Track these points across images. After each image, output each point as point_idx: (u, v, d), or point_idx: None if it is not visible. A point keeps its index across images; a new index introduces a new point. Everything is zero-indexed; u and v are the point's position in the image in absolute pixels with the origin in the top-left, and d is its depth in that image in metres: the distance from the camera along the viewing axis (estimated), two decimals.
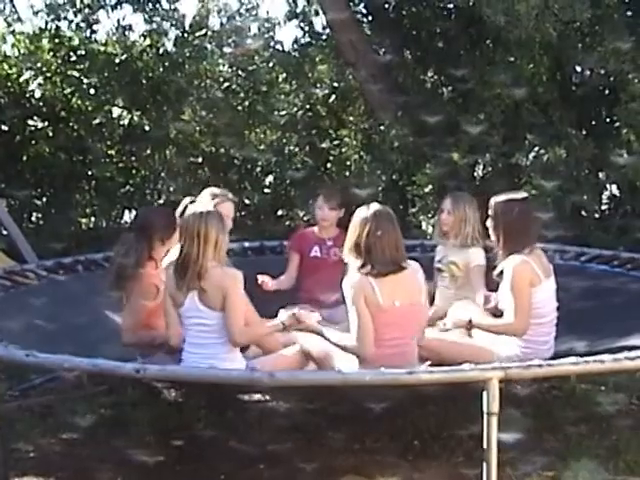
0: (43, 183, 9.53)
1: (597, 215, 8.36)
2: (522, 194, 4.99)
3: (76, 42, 9.78)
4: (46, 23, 9.88)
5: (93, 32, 9.99)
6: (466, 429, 4.51)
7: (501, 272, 4.75)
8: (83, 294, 5.70)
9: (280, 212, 9.08)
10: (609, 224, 8.04)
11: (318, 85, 9.58)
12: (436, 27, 8.78)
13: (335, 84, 9.54)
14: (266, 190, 9.19)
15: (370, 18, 9.76)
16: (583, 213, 8.07)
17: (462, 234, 5.54)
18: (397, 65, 8.96)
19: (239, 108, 9.59)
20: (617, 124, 7.85)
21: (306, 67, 9.81)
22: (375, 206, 4.52)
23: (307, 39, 10.26)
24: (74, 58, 9.64)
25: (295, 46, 10.37)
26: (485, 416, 3.72)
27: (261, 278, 5.56)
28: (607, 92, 8.23)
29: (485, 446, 3.77)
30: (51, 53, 9.64)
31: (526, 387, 5.10)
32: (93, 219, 9.80)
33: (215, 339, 4.39)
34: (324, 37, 10.06)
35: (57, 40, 9.66)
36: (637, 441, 4.75)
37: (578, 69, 8.44)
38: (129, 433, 4.93)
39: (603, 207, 8.53)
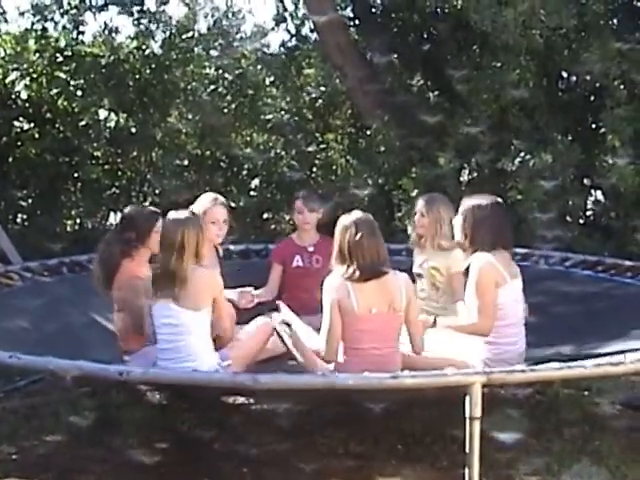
0: (29, 184, 9.50)
1: (582, 220, 8.38)
2: (494, 197, 4.93)
3: (62, 43, 9.76)
4: (32, 24, 9.85)
5: (80, 33, 9.97)
6: (450, 433, 4.51)
7: (467, 269, 4.76)
8: (67, 296, 5.71)
9: (266, 215, 9.06)
10: (594, 229, 8.05)
11: (305, 89, 9.56)
12: (424, 31, 8.79)
13: (322, 88, 9.52)
14: (252, 193, 9.18)
15: (357, 22, 9.77)
16: (568, 218, 8.08)
17: (438, 236, 5.49)
18: (384, 69, 8.96)
19: (225, 111, 9.58)
20: (603, 130, 7.86)
21: (293, 70, 9.81)
22: (356, 213, 4.61)
23: (294, 42, 10.26)
24: (60, 59, 9.62)
25: (282, 49, 10.38)
26: (467, 421, 3.72)
27: (241, 294, 5.37)
28: (593, 98, 8.25)
29: (467, 450, 3.77)
30: (37, 54, 9.61)
31: (509, 392, 5.13)
32: (79, 220, 9.76)
33: (190, 339, 4.46)
34: (311, 40, 10.08)
35: (43, 41, 9.64)
36: (620, 446, 4.76)
37: (564, 75, 8.47)
38: (113, 435, 4.91)
39: (588, 213, 8.55)
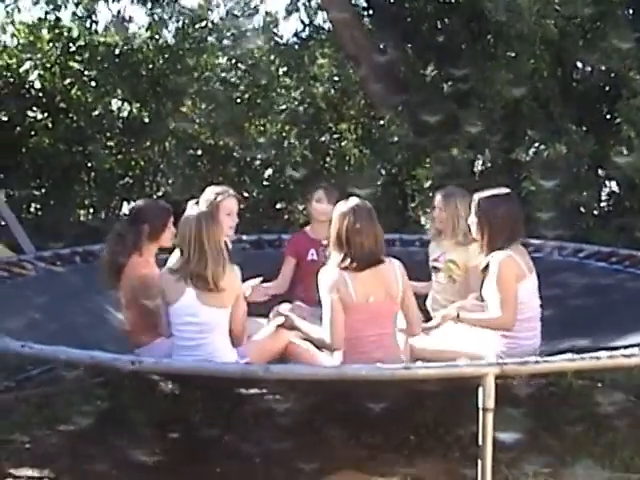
0: (42, 174, 9.52)
1: (596, 212, 8.31)
2: (506, 190, 4.92)
3: (75, 33, 9.75)
4: (46, 13, 9.85)
5: (93, 23, 9.96)
6: (463, 425, 4.49)
7: (486, 267, 4.73)
8: (80, 285, 5.70)
9: (279, 205, 9.02)
10: (608, 221, 7.99)
11: (319, 79, 9.51)
12: (438, 22, 8.72)
13: (336, 78, 9.48)
14: (265, 183, 9.14)
15: (371, 12, 9.71)
16: (582, 210, 8.01)
17: (457, 230, 5.48)
18: (398, 59, 8.91)
19: (238, 101, 9.55)
20: (618, 120, 7.78)
21: (307, 60, 9.77)
22: (354, 200, 4.61)
23: (308, 33, 10.21)
24: (74, 49, 9.62)
25: (295, 39, 10.33)
26: (480, 412, 3.69)
27: (254, 288, 5.24)
28: (608, 88, 8.17)
29: (480, 442, 3.73)
30: (50, 44, 9.61)
31: (523, 384, 5.09)
32: (92, 211, 9.76)
33: (212, 337, 4.47)
34: (325, 30, 10.03)
35: (57, 31, 9.64)
36: (634, 438, 4.73)
37: (579, 65, 8.39)
38: (125, 425, 4.90)
39: (602, 204, 8.48)
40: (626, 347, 4.14)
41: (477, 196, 4.84)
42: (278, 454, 4.58)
